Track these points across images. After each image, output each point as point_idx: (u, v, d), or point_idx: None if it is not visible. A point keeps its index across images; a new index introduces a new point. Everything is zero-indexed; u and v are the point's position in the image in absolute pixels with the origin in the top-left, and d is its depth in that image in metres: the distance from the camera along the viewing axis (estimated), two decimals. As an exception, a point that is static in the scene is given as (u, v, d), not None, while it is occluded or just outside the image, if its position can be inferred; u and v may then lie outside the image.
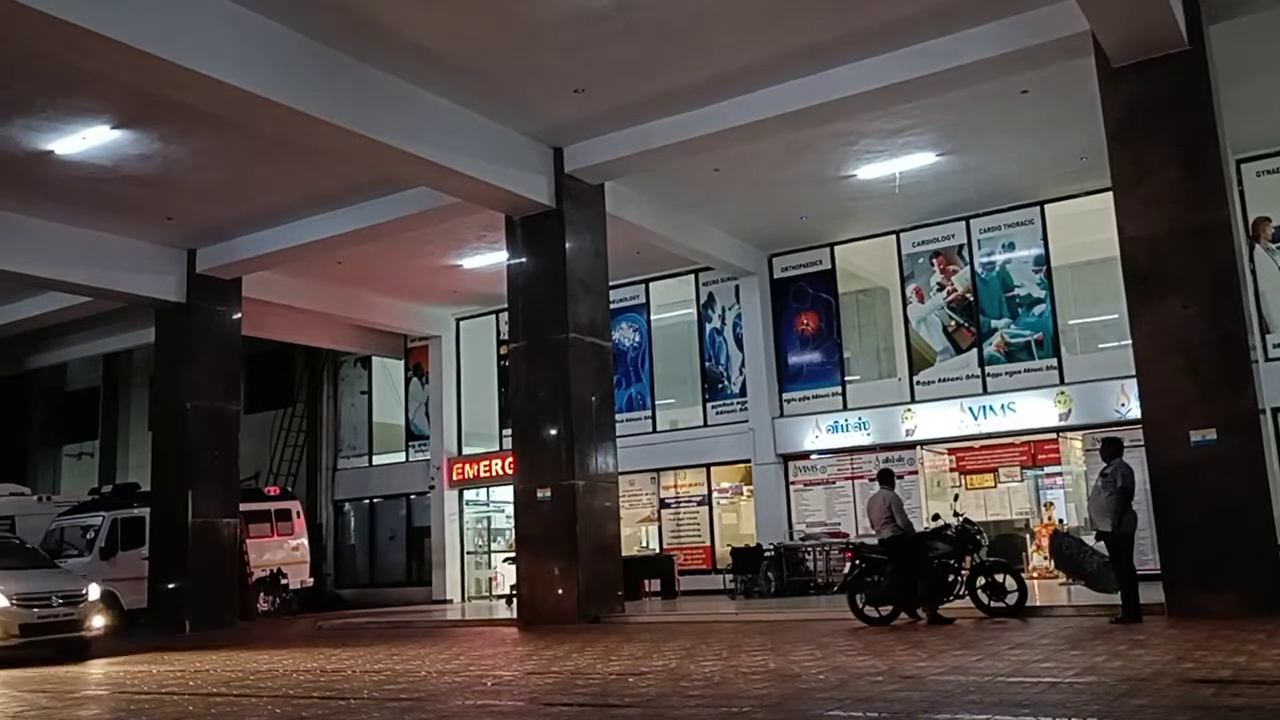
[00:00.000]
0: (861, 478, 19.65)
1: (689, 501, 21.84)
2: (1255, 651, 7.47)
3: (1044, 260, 18.56)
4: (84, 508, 20.93)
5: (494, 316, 24.04)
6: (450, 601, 23.85)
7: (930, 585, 11.80)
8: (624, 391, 21.99)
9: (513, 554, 17.50)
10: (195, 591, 17.87)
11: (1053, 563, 15.02)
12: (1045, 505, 18.40)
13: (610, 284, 16.54)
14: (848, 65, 12.93)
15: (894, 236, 19.84)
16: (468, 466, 24.35)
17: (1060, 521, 17.55)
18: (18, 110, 13.04)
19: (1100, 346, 18.31)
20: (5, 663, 12.13)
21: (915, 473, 19.17)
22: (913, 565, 11.84)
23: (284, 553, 22.24)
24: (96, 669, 11.75)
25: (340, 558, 27.09)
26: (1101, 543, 11.14)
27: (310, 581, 22.99)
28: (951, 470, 19.44)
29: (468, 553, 24.94)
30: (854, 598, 12.11)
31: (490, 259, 19.60)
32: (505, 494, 21.28)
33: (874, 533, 12.62)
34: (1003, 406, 18.41)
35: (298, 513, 23.10)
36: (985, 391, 18.73)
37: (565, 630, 13.44)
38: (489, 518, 25.31)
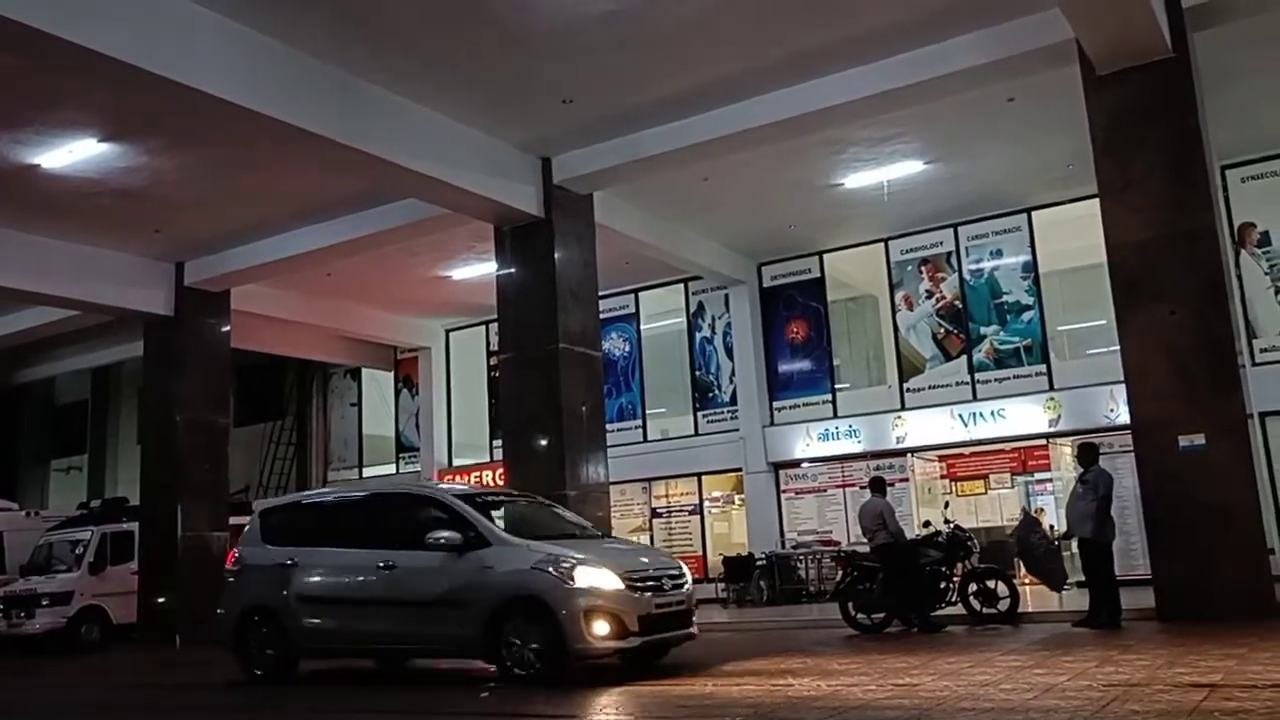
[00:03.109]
0: (852, 485, 19.64)
1: (680, 511, 21.81)
2: (1245, 655, 7.49)
3: (1032, 267, 18.62)
4: (72, 522, 20.76)
5: (484, 327, 24.01)
6: (442, 613, 23.69)
7: (922, 592, 11.81)
8: (614, 401, 21.96)
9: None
10: (186, 606, 17.74)
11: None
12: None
13: (600, 294, 16.50)
14: (835, 74, 12.95)
15: (883, 244, 19.88)
16: (459, 478, 24.29)
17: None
18: (4, 124, 12.98)
19: (1089, 352, 18.37)
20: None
21: (906, 480, 19.19)
22: (904, 572, 11.85)
23: (275, 566, 22.04)
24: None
25: (331, 570, 26.91)
26: (1069, 541, 11.16)
27: (302, 595, 22.79)
28: (942, 477, 19.45)
29: (460, 563, 24.85)
30: (846, 605, 12.12)
31: (479, 270, 19.58)
32: (496, 505, 21.22)
33: (866, 540, 12.63)
34: (993, 413, 18.46)
35: (289, 526, 22.89)
36: (975, 398, 18.78)
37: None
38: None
